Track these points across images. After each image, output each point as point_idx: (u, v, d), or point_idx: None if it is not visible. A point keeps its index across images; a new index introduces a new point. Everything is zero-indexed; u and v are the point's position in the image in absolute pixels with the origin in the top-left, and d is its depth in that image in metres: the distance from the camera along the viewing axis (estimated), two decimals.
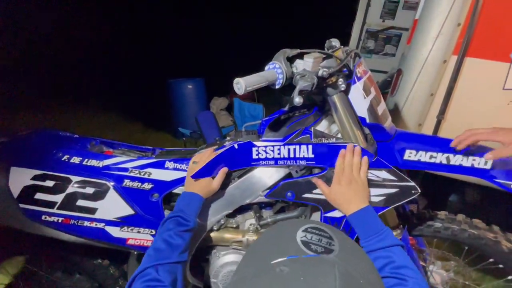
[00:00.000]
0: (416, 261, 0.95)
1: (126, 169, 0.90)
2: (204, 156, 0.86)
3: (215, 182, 0.84)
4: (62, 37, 4.52)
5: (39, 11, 4.20)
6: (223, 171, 0.85)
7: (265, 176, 0.90)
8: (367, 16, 2.88)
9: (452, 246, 1.06)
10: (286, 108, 0.99)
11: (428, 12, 1.51)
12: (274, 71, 0.69)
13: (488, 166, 0.77)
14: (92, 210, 0.89)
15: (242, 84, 0.62)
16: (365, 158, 0.79)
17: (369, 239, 0.69)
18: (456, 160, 0.79)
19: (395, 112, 1.72)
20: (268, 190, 0.90)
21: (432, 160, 0.81)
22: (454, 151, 0.78)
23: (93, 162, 0.90)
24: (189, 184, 0.85)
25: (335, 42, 0.98)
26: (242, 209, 0.97)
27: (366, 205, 0.74)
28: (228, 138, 1.00)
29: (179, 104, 3.32)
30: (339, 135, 0.89)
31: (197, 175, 0.84)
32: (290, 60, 0.75)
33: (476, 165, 0.78)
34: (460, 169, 0.79)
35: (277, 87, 0.72)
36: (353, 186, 0.76)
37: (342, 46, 0.96)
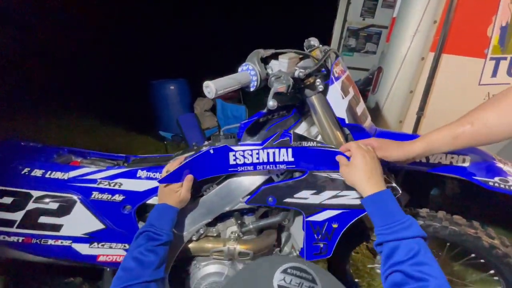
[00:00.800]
0: None
1: (94, 181, 0.83)
2: (175, 165, 0.81)
3: (183, 190, 0.79)
4: (32, 37, 4.27)
5: (8, 11, 3.95)
6: (187, 179, 0.80)
7: (245, 182, 0.87)
8: (347, 14, 2.90)
9: (435, 242, 1.06)
10: (264, 111, 0.96)
11: (405, 10, 1.53)
12: (248, 72, 0.66)
13: (466, 164, 0.77)
14: (57, 227, 0.82)
15: (212, 88, 0.58)
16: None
17: (391, 225, 0.58)
18: (435, 158, 0.79)
19: (376, 110, 1.73)
20: (248, 196, 0.86)
21: None
22: None
23: (58, 175, 0.83)
24: (161, 195, 0.80)
25: (313, 41, 0.95)
26: (222, 217, 0.93)
27: (387, 188, 0.65)
28: (206, 142, 0.96)
29: (162, 106, 3.22)
30: (319, 137, 0.86)
31: (165, 181, 0.79)
32: (265, 61, 0.71)
33: (454, 163, 0.78)
34: (439, 167, 0.79)
35: (251, 89, 0.68)
36: (377, 164, 0.66)
37: (321, 45, 0.94)
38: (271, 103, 0.61)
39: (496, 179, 0.75)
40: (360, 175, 0.66)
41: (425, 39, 1.49)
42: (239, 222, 0.93)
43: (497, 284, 1.07)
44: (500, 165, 0.77)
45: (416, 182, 1.92)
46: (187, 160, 0.80)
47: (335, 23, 2.96)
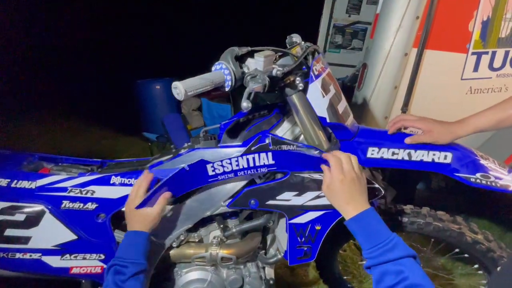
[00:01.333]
0: None
1: (64, 189, 0.78)
2: (141, 183, 0.74)
3: (154, 210, 0.72)
4: (12, 39, 4.08)
5: None
6: (163, 197, 0.75)
7: (226, 185, 0.84)
8: (333, 11, 2.90)
9: (420, 237, 1.07)
10: (245, 111, 0.93)
11: (388, 6, 1.52)
12: (221, 72, 0.62)
13: (448, 161, 0.77)
14: (25, 240, 0.77)
15: (180, 89, 0.54)
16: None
17: (375, 249, 0.58)
18: (417, 155, 0.78)
19: (362, 106, 1.73)
20: (230, 200, 0.83)
21: (394, 157, 0.79)
22: (415, 146, 0.78)
23: (24, 184, 0.78)
24: (129, 220, 0.73)
25: (295, 37, 0.93)
26: (205, 221, 0.90)
27: (369, 207, 0.64)
28: (185, 145, 0.92)
29: (148, 106, 3.15)
30: (302, 137, 0.84)
31: (142, 205, 0.73)
32: (241, 59, 0.68)
33: (436, 160, 0.77)
34: (421, 164, 0.79)
35: (227, 89, 0.65)
36: (357, 183, 0.65)
37: (303, 42, 0.92)
38: (245, 104, 0.59)
39: (478, 175, 0.75)
40: (340, 200, 0.66)
41: (408, 35, 1.49)
42: (221, 226, 0.90)
43: (482, 278, 1.08)
44: (482, 161, 0.76)
45: (402, 177, 1.94)
46: (162, 182, 0.75)
47: (321, 20, 2.96)
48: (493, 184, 0.73)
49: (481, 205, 1.84)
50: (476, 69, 1.54)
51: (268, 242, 1.00)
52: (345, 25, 2.93)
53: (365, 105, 1.70)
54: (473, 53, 1.52)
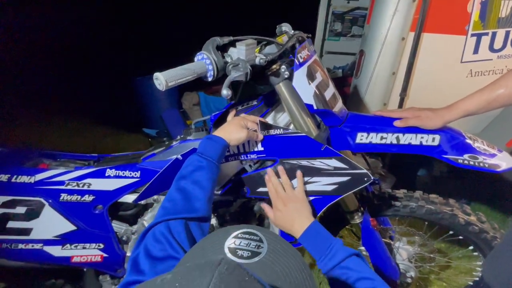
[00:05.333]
0: (378, 240, 0.95)
1: (62, 182, 0.82)
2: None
3: (244, 133, 0.72)
4: (12, 36, 4.13)
5: None
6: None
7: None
8: None
9: (415, 221, 1.07)
10: (234, 101, 0.94)
11: None
12: (203, 62, 0.63)
13: (436, 143, 0.76)
14: (26, 231, 0.81)
15: (161, 80, 0.55)
16: (299, 172, 0.76)
17: (322, 259, 0.65)
18: (406, 139, 0.78)
19: (360, 94, 1.71)
20: (222, 188, 0.86)
21: (383, 141, 0.80)
22: (403, 130, 0.78)
23: (24, 179, 0.81)
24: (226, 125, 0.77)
25: (285, 26, 0.93)
26: None
27: (311, 222, 0.70)
28: (178, 137, 0.94)
29: (148, 102, 3.17)
30: (292, 126, 0.85)
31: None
32: (224, 49, 0.69)
33: (424, 143, 0.77)
34: (410, 147, 0.78)
35: (209, 79, 0.66)
36: (290, 207, 0.72)
37: (293, 31, 0.91)
38: (225, 91, 0.60)
39: (466, 156, 0.74)
40: (287, 226, 0.73)
41: (404, 18, 1.46)
42: (215, 214, 0.92)
43: (477, 259, 1.09)
44: (469, 142, 0.76)
45: (403, 164, 1.93)
46: (158, 174, 0.78)
47: (319, 7, 2.90)
48: (481, 164, 0.72)
49: (484, 189, 1.82)
50: (476, 51, 1.50)
51: None
52: (344, 12, 2.86)
53: (363, 92, 1.68)
54: (472, 35, 1.48)
